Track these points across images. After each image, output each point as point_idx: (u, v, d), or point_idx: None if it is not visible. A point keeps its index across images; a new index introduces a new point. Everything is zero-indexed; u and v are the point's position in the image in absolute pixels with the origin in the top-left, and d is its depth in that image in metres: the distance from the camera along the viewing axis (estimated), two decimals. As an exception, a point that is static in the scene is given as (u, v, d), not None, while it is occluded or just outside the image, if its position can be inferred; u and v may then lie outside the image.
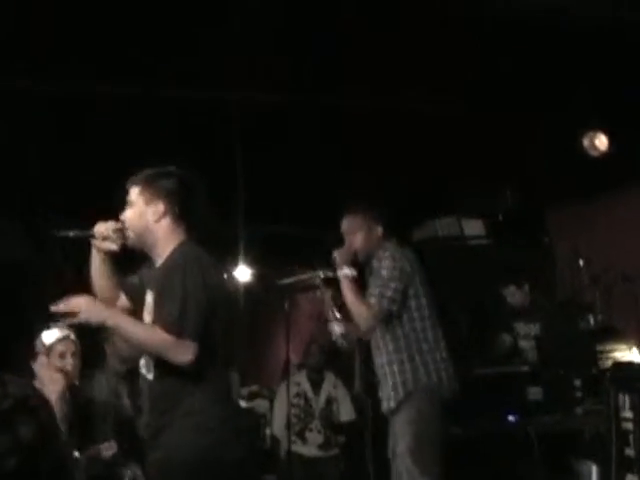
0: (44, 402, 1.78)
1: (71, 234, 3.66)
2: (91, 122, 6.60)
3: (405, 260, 5.10)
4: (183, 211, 3.60)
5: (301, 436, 7.60)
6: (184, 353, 3.30)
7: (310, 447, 7.61)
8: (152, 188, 3.60)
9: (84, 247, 3.72)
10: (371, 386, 6.55)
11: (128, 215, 3.62)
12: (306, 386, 7.77)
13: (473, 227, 7.96)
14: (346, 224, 5.34)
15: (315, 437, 7.65)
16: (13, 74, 5.85)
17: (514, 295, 7.11)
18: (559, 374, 6.06)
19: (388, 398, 5.03)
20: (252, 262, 8.91)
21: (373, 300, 4.99)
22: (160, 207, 3.57)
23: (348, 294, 5.01)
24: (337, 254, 5.17)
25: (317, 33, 5.78)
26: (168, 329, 3.31)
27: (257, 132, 6.95)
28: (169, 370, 3.38)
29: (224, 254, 8.15)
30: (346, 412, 7.79)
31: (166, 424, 3.39)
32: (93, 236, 3.65)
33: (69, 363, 4.98)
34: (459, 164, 7.44)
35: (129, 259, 3.80)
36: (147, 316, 3.54)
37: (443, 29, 5.67)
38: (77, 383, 5.11)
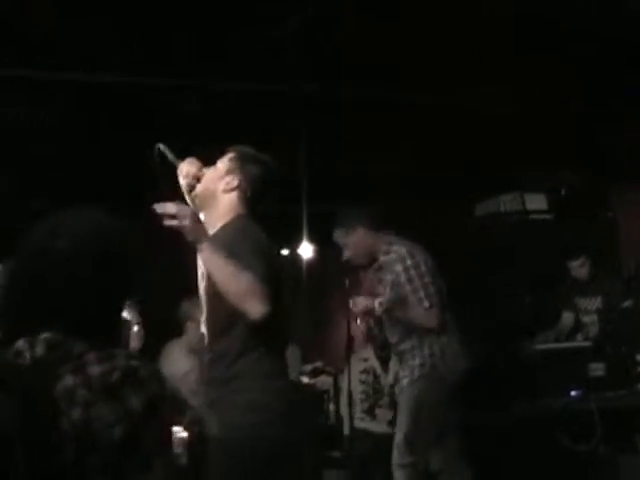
0: (154, 372, 1.82)
1: (168, 155, 3.62)
2: (144, 112, 6.75)
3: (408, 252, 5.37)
4: (253, 196, 3.64)
5: (370, 413, 7.59)
6: (261, 304, 3.22)
7: (380, 424, 7.59)
8: (239, 162, 3.66)
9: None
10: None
11: (208, 173, 3.67)
12: (374, 363, 7.75)
13: (535, 202, 7.91)
14: (341, 238, 5.54)
15: (385, 413, 7.61)
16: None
17: (578, 269, 7.06)
18: (621, 350, 5.99)
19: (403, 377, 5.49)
20: (315, 239, 8.94)
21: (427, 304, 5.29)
22: (235, 182, 3.62)
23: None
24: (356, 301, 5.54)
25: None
26: (252, 278, 3.25)
27: (322, 115, 7.00)
28: (224, 342, 3.40)
29: (288, 231, 8.23)
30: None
31: (220, 398, 3.41)
32: (176, 167, 3.67)
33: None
34: (526, 140, 7.42)
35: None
36: (200, 281, 3.57)
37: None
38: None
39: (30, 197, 7.46)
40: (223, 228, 3.57)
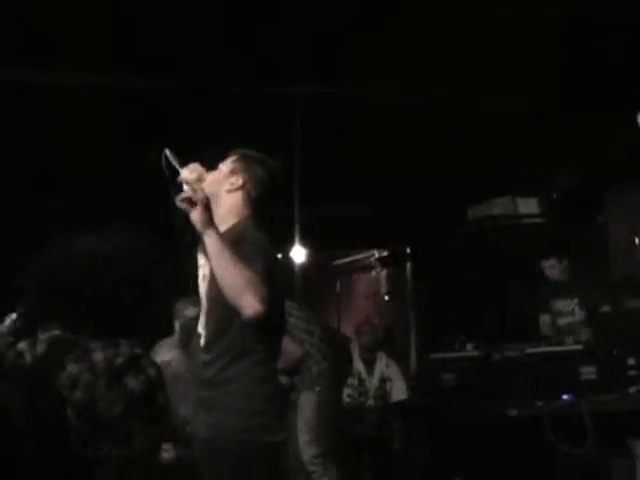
0: (154, 363, 1.97)
1: (173, 163, 3.52)
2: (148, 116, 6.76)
3: None
4: (257, 197, 3.63)
5: (356, 415, 7.62)
6: (256, 303, 3.21)
7: (365, 426, 7.63)
8: (243, 164, 3.65)
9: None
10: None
11: (211, 175, 3.63)
12: (359, 366, 7.78)
13: (527, 206, 7.94)
14: None
15: (370, 416, 7.67)
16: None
17: (552, 268, 7.02)
18: (613, 353, 5.99)
19: None
20: (307, 243, 8.95)
21: None
22: (239, 182, 3.61)
23: None
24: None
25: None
26: (254, 276, 3.25)
27: (316, 117, 7.01)
28: (221, 345, 3.40)
29: (280, 234, 8.23)
30: (399, 391, 7.80)
31: (213, 400, 3.41)
32: (178, 173, 3.54)
33: None
34: (519, 144, 7.45)
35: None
36: (202, 283, 3.57)
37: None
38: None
39: (41, 199, 7.48)
40: (227, 232, 3.51)
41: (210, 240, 3.30)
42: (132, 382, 1.94)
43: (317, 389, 6.35)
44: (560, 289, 6.95)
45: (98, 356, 1.91)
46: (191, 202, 3.31)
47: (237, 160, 3.68)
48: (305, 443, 6.31)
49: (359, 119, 7.14)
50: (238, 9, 5.62)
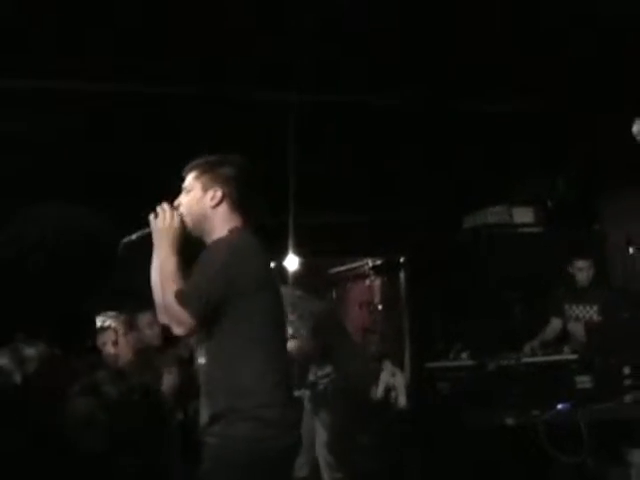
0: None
1: (134, 237, 3.56)
2: (144, 120, 6.75)
3: None
4: (240, 198, 3.55)
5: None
6: (179, 324, 3.29)
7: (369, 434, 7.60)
8: (210, 174, 3.55)
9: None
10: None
11: (184, 201, 3.55)
12: None
13: (523, 215, 7.95)
14: None
15: (373, 424, 7.63)
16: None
17: (580, 271, 6.91)
18: (609, 362, 5.97)
19: None
20: (301, 251, 8.91)
21: None
22: (218, 193, 3.52)
23: None
24: None
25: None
26: (180, 294, 3.29)
27: (309, 124, 7.00)
28: (220, 355, 3.37)
29: (273, 243, 8.19)
30: (404, 400, 7.77)
31: (221, 413, 3.35)
32: (150, 235, 3.52)
33: (108, 352, 5.03)
34: (511, 153, 7.45)
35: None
36: None
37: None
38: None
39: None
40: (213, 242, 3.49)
41: (154, 255, 3.44)
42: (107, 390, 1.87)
43: (334, 395, 6.29)
44: (582, 295, 6.95)
45: (112, 392, 1.81)
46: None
47: (202, 173, 3.57)
48: (323, 450, 6.30)
49: (354, 125, 7.13)
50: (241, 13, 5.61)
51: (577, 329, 6.80)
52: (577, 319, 6.90)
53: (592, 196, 8.17)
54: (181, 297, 3.28)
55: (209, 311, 3.31)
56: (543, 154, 7.72)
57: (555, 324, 7.00)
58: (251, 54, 6.01)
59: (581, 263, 6.94)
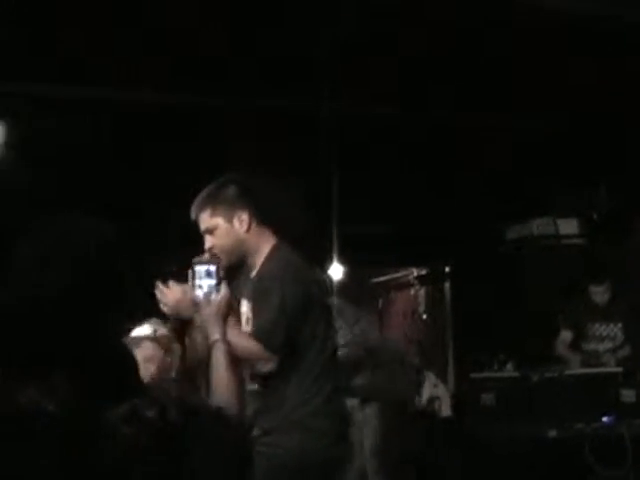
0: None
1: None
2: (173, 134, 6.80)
3: None
4: (263, 211, 3.55)
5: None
6: (265, 364, 3.37)
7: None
8: (224, 203, 3.48)
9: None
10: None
11: (216, 242, 3.46)
12: None
13: (568, 226, 7.92)
14: None
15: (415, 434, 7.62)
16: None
17: (601, 295, 6.78)
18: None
19: None
20: (346, 261, 8.94)
21: None
22: (244, 216, 3.47)
23: None
24: None
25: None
26: (258, 339, 3.34)
27: (353, 136, 7.04)
28: (280, 368, 3.41)
29: (318, 253, 8.23)
30: (448, 410, 7.77)
31: (274, 426, 3.42)
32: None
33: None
34: (557, 164, 7.44)
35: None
36: (246, 326, 3.54)
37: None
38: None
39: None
40: (258, 270, 3.51)
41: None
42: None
43: (380, 404, 6.42)
44: (602, 313, 6.87)
45: (152, 416, 1.68)
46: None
47: (216, 206, 3.47)
48: (370, 458, 6.38)
49: (402, 136, 7.16)
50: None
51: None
52: (600, 338, 6.79)
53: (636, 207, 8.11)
54: (263, 341, 3.33)
55: (288, 339, 3.37)
56: (586, 165, 7.69)
57: (564, 336, 6.90)
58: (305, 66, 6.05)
59: (599, 289, 6.81)
